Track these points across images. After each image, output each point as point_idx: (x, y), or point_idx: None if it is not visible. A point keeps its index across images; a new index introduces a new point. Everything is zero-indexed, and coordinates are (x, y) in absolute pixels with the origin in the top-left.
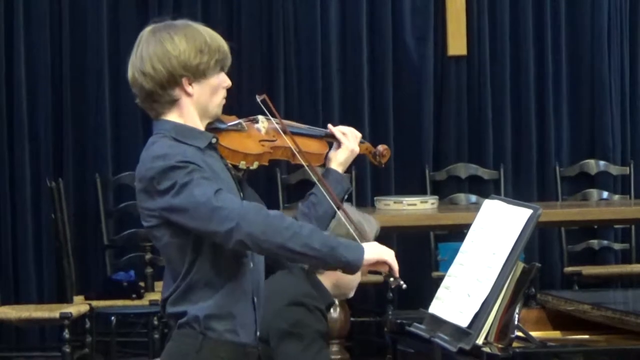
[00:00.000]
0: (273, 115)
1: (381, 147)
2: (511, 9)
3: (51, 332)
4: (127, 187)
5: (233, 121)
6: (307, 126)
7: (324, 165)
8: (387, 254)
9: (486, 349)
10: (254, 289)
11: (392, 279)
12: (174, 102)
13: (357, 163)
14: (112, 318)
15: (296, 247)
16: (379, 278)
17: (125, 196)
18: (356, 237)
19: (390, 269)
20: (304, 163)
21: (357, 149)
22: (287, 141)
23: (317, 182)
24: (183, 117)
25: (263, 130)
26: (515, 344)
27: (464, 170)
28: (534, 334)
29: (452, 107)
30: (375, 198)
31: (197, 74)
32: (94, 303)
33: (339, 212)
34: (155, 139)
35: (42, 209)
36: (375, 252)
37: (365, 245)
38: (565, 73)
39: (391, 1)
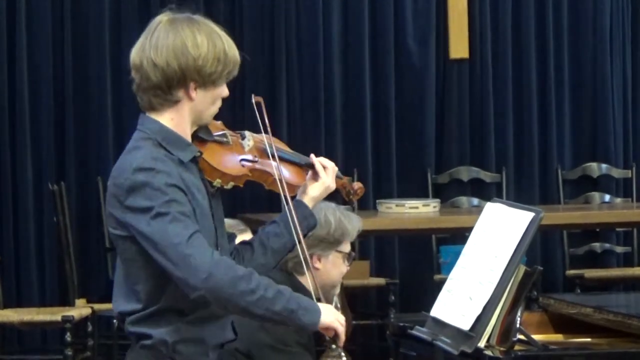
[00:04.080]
0: (263, 121)
1: (356, 185)
2: (513, 11)
3: (53, 335)
4: None
5: (219, 131)
6: (291, 151)
7: (294, 195)
8: (339, 322)
9: (488, 352)
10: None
11: (334, 346)
12: (173, 102)
13: (360, 165)
14: (114, 321)
15: (259, 311)
16: (380, 281)
17: None
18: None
19: (337, 336)
20: (281, 193)
21: (333, 186)
22: (271, 165)
23: (288, 215)
24: (175, 121)
25: (247, 148)
26: (517, 347)
27: (466, 173)
28: (536, 337)
29: (454, 110)
30: (377, 201)
31: (207, 81)
32: (96, 306)
33: (300, 251)
34: (139, 143)
35: (44, 212)
36: (330, 317)
37: (322, 307)
38: (567, 76)
39: (393, 4)
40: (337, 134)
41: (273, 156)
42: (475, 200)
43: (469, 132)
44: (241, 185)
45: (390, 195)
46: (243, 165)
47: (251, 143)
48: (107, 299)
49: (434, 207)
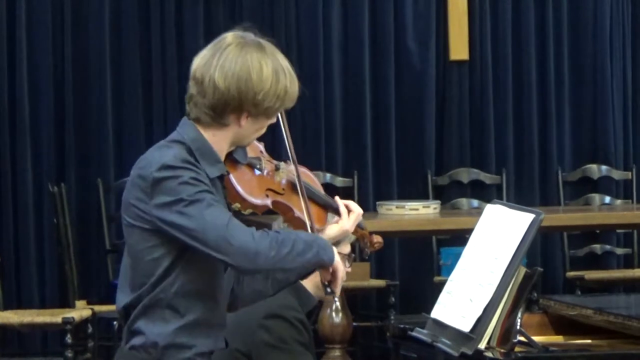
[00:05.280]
0: None
1: (375, 238)
2: (513, 13)
3: (53, 337)
4: None
5: (256, 154)
6: (321, 191)
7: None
8: (342, 265)
9: (489, 354)
10: (222, 316)
11: (329, 290)
12: (222, 125)
13: (359, 167)
14: (114, 323)
15: (294, 266)
16: (381, 283)
17: None
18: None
19: (334, 281)
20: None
21: (351, 230)
22: (296, 201)
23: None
24: (216, 138)
25: (277, 179)
26: (517, 349)
27: (466, 175)
28: (536, 338)
29: (454, 112)
30: (377, 203)
31: (260, 114)
32: (96, 308)
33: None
34: (172, 144)
35: (45, 213)
36: (337, 256)
37: (332, 247)
38: (567, 77)
39: (393, 6)
40: (337, 135)
41: (301, 190)
42: (476, 202)
43: (469, 134)
44: (259, 214)
45: (390, 197)
46: (267, 196)
47: (283, 175)
48: (108, 300)
49: (434, 208)
